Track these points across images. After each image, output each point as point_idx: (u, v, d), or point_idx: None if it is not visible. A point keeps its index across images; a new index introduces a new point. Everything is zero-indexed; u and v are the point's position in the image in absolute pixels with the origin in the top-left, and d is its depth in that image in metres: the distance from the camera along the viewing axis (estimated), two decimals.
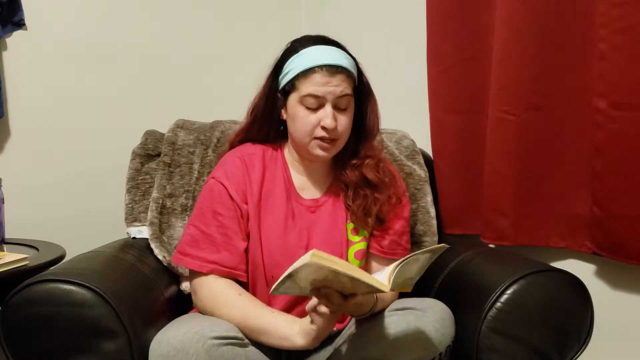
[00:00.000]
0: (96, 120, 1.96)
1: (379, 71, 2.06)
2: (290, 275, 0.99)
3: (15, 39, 1.81)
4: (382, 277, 1.03)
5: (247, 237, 1.28)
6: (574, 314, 1.19)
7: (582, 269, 1.39)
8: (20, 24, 1.81)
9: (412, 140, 1.64)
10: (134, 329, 1.09)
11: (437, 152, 1.66)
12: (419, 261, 1.05)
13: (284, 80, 1.28)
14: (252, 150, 1.34)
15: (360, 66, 1.32)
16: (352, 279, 0.99)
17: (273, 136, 1.35)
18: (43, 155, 1.88)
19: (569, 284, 1.20)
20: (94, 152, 1.95)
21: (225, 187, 1.27)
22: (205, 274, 1.24)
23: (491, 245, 1.53)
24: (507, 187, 1.45)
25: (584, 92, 1.33)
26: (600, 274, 1.40)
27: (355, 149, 1.34)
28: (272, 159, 1.34)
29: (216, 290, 1.22)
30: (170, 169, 1.52)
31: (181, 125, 1.60)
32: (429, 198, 1.56)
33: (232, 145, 1.40)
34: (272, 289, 1.02)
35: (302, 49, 1.26)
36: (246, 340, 1.11)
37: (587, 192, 1.35)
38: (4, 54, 1.80)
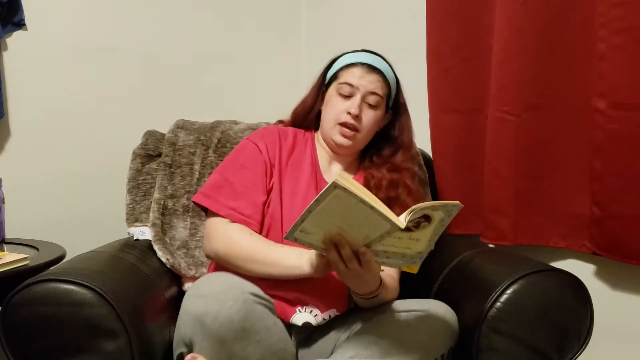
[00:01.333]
0: (96, 120, 1.96)
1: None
2: (309, 211, 1.00)
3: (15, 39, 1.81)
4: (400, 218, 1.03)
5: (269, 192, 1.34)
6: (574, 314, 1.19)
7: (582, 269, 1.39)
8: (20, 24, 1.81)
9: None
10: (135, 329, 1.09)
11: (437, 152, 1.66)
12: (431, 224, 1.04)
13: (330, 72, 1.44)
14: (287, 129, 1.46)
15: (401, 86, 1.45)
16: (372, 209, 0.98)
17: (308, 123, 1.48)
18: (43, 155, 1.88)
19: (569, 284, 1.20)
20: (94, 152, 1.95)
21: (257, 145, 1.38)
22: (221, 218, 1.31)
23: (491, 245, 1.53)
24: (507, 187, 1.45)
25: (584, 92, 1.34)
26: (600, 274, 1.40)
27: (390, 158, 1.42)
28: (302, 140, 1.45)
29: (229, 233, 1.29)
30: (171, 169, 1.52)
31: (181, 126, 1.60)
32: (429, 198, 1.56)
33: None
34: (287, 233, 1.06)
35: (352, 52, 1.43)
36: (275, 310, 1.15)
37: (587, 192, 1.35)
38: (4, 54, 1.80)
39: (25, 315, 1.06)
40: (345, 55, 1.44)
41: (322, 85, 1.46)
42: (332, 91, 1.40)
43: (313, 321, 1.29)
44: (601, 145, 1.30)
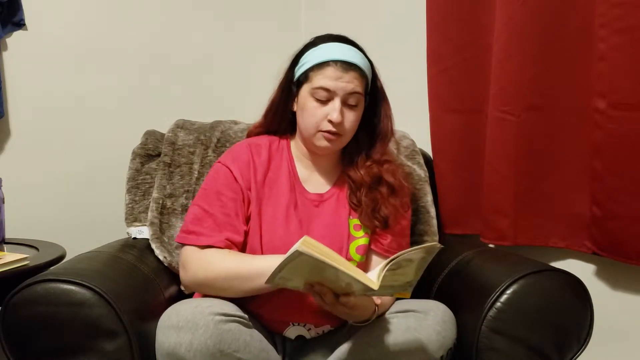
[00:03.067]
0: (96, 120, 1.96)
1: (378, 71, 2.06)
2: (282, 267, 1.00)
3: (15, 39, 1.81)
4: (372, 275, 1.03)
5: (247, 220, 1.29)
6: (574, 314, 1.19)
7: (582, 269, 1.39)
8: (20, 24, 1.81)
9: (412, 140, 1.64)
10: (134, 329, 1.09)
11: (437, 152, 1.66)
12: (413, 262, 1.04)
13: (299, 71, 1.31)
14: (260, 142, 1.37)
15: (376, 70, 1.34)
16: (339, 273, 0.99)
17: (284, 127, 1.38)
18: (43, 155, 1.88)
19: (569, 284, 1.20)
20: (94, 152, 1.95)
21: (231, 170, 1.30)
22: (194, 246, 1.25)
23: (491, 245, 1.53)
24: (507, 187, 1.45)
25: (584, 92, 1.33)
26: (600, 274, 1.40)
27: (369, 152, 1.35)
28: (278, 151, 1.37)
29: (204, 256, 1.23)
30: (171, 169, 1.52)
31: (181, 125, 1.60)
32: (429, 198, 1.56)
33: (249, 135, 1.45)
34: (267, 279, 1.04)
35: (320, 44, 1.30)
36: (250, 323, 1.13)
37: (587, 192, 1.35)
38: (4, 54, 1.80)
39: (25, 315, 1.06)
40: (313, 51, 1.29)
41: (291, 83, 1.33)
42: (305, 94, 1.28)
43: (307, 335, 1.29)
44: (601, 145, 1.30)
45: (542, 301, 1.18)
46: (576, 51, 1.35)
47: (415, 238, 1.51)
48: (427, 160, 1.65)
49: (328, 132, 1.27)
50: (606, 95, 1.28)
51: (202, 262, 1.24)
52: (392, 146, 1.59)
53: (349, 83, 1.25)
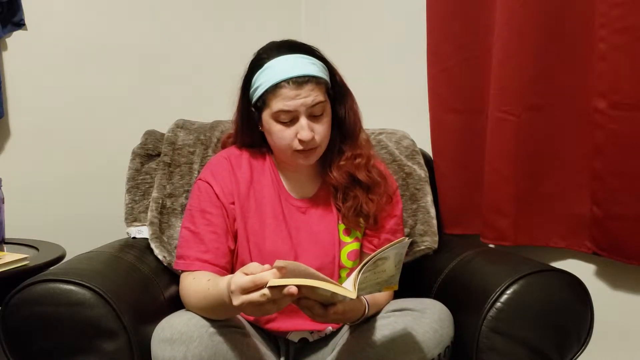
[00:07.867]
0: (96, 120, 1.96)
1: (378, 71, 2.06)
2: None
3: (15, 39, 1.81)
4: (348, 284, 1.01)
5: (235, 236, 1.28)
6: (574, 314, 1.19)
7: (582, 269, 1.39)
8: (20, 24, 1.81)
9: (412, 140, 1.64)
10: (134, 329, 1.09)
11: (437, 152, 1.66)
12: (388, 259, 1.03)
13: (254, 96, 1.26)
14: (238, 152, 1.35)
15: (333, 66, 1.30)
16: (317, 289, 0.97)
17: (258, 142, 1.34)
18: (43, 155, 1.88)
19: (569, 284, 1.20)
20: (94, 152, 1.95)
21: (212, 186, 1.28)
22: (188, 272, 1.24)
23: (491, 245, 1.53)
24: (507, 187, 1.45)
25: (584, 92, 1.33)
26: (600, 274, 1.40)
27: (341, 148, 1.32)
28: (259, 161, 1.35)
29: (185, 285, 1.22)
30: (170, 168, 1.52)
31: (181, 125, 1.60)
32: (429, 198, 1.56)
33: (224, 145, 1.43)
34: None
35: (266, 62, 1.23)
36: (246, 330, 1.12)
37: (587, 192, 1.35)
38: (4, 54, 1.80)
39: (25, 315, 1.06)
40: (261, 73, 1.23)
41: (249, 107, 1.28)
42: (267, 119, 1.24)
43: (310, 337, 1.30)
44: (601, 145, 1.30)
45: (542, 301, 1.18)
46: (576, 51, 1.35)
47: (415, 238, 1.51)
48: (427, 160, 1.65)
49: (302, 150, 1.24)
50: (606, 95, 1.28)
51: (185, 292, 1.20)
52: (388, 143, 1.57)
53: (307, 97, 1.19)
